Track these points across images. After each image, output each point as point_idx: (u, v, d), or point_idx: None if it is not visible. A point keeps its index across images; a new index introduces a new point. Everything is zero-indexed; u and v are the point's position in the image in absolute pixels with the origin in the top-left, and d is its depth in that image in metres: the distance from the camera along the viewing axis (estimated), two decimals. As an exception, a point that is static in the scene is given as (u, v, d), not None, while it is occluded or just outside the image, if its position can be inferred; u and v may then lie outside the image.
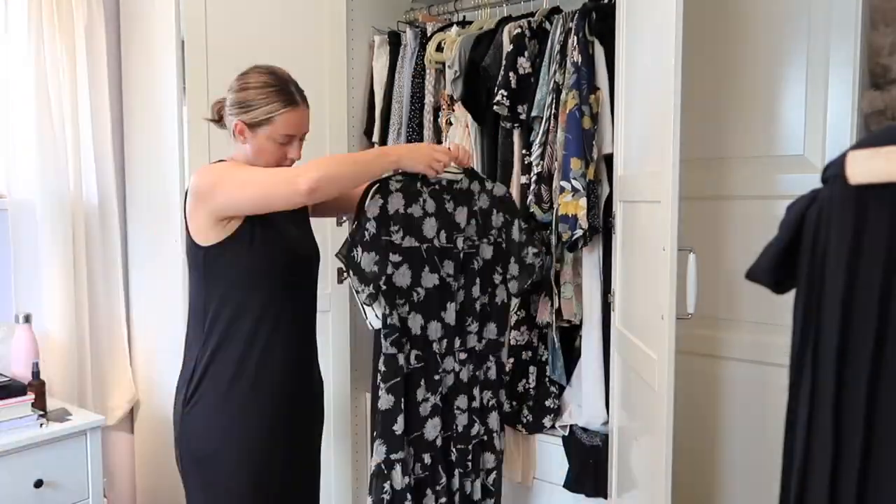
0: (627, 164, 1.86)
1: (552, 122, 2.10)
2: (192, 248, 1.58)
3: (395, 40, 2.61)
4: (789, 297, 0.91)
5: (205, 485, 1.59)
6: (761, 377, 2.00)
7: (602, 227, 2.06)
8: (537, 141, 2.14)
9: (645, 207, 1.64)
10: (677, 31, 1.40)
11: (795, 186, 1.88)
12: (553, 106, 2.10)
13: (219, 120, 1.66)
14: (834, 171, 0.82)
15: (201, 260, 1.56)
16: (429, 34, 2.49)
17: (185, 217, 1.58)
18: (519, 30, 2.19)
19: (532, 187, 2.14)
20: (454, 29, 2.42)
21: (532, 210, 2.13)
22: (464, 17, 2.57)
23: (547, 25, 2.21)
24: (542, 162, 2.13)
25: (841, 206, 0.81)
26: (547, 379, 2.23)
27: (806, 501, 0.85)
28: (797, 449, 0.86)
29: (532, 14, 2.27)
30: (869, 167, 0.78)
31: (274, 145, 1.58)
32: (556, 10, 2.23)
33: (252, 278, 1.58)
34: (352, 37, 2.51)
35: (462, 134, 2.36)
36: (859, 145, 0.81)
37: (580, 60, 2.02)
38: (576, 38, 2.04)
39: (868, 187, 0.79)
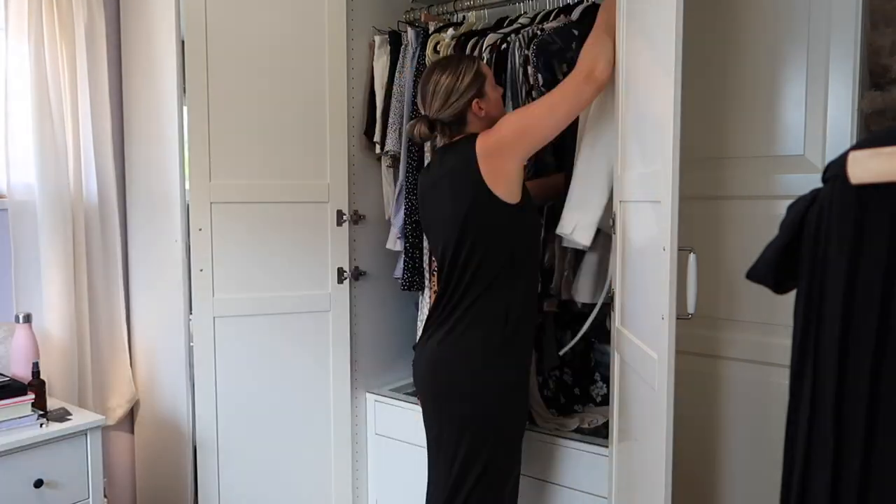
0: (627, 164, 1.86)
1: None
2: (500, 208, 1.72)
3: (395, 40, 2.61)
4: (789, 297, 0.91)
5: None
6: (761, 377, 1.99)
7: None
8: None
9: (645, 207, 1.64)
10: (677, 31, 1.39)
11: (795, 186, 1.87)
12: None
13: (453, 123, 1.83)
14: (835, 171, 0.82)
15: (513, 216, 1.74)
16: (430, 34, 2.49)
17: (481, 181, 1.71)
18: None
19: None
20: (450, 31, 2.42)
21: None
22: (464, 17, 2.56)
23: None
24: None
25: (841, 205, 0.81)
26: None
27: (807, 502, 0.85)
28: (798, 449, 0.86)
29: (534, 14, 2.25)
30: (870, 167, 0.78)
31: (497, 91, 1.85)
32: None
33: (536, 234, 1.90)
34: (352, 37, 2.51)
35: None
36: (860, 145, 0.81)
37: None
38: None
39: (869, 187, 0.79)
